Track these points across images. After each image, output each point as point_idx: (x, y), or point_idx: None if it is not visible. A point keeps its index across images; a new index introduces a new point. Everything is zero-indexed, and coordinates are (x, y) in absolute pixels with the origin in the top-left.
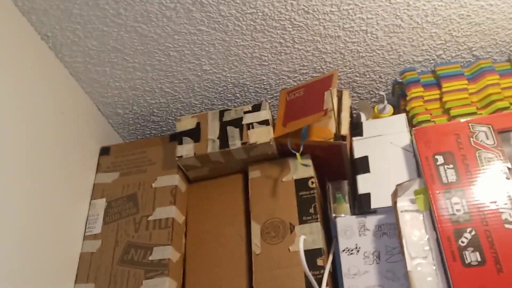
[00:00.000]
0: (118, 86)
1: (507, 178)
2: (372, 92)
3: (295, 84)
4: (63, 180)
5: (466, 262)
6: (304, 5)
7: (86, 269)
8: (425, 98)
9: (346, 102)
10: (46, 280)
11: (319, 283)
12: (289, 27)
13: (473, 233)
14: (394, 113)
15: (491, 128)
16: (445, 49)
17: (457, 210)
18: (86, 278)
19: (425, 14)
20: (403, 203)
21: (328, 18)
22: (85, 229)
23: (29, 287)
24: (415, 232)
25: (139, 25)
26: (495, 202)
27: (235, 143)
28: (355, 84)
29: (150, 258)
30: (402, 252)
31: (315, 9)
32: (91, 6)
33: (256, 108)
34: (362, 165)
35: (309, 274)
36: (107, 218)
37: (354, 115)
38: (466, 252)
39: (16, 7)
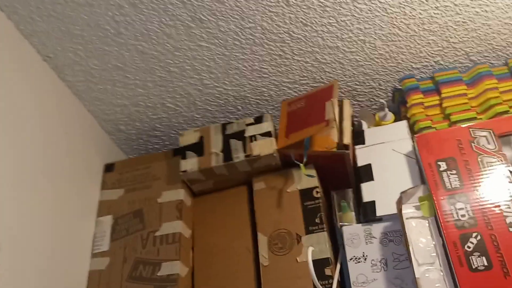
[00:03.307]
0: (120, 103)
1: (510, 182)
2: (372, 100)
3: (296, 94)
4: (68, 198)
5: (473, 267)
6: (302, 18)
7: (95, 286)
8: (425, 104)
9: (347, 111)
10: None
11: None
12: (288, 40)
13: (478, 237)
14: (395, 120)
15: (492, 133)
16: (443, 56)
17: (462, 216)
18: None
19: (422, 22)
20: (408, 210)
21: (326, 29)
22: (93, 246)
23: None
24: (421, 238)
25: (140, 43)
26: (499, 206)
27: (238, 155)
28: (355, 92)
29: (158, 274)
30: (409, 259)
31: (313, 21)
32: (92, 27)
33: (258, 120)
34: (366, 173)
35: (318, 284)
36: (114, 235)
37: (356, 123)
38: (473, 257)
39: (18, 31)
